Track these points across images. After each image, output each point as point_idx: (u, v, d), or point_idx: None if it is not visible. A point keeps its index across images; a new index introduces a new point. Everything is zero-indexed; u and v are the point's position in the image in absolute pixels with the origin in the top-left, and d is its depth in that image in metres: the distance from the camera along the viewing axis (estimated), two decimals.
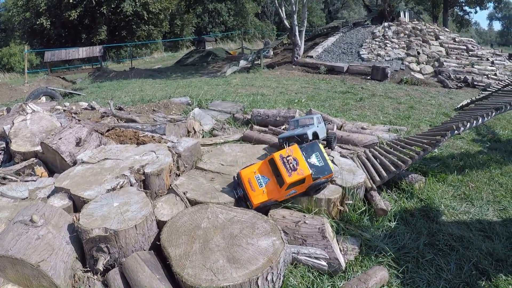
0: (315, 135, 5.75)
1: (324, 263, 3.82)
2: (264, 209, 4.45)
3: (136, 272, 3.40)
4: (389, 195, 5.53)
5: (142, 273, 3.37)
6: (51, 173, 5.83)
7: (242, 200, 4.54)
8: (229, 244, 3.59)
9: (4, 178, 5.51)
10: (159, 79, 20.13)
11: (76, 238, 3.83)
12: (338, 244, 4.20)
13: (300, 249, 3.82)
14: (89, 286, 3.55)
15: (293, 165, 4.42)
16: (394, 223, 4.80)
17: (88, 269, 3.74)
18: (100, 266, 3.60)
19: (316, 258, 3.81)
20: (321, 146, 4.83)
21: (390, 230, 4.69)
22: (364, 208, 4.89)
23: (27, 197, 4.96)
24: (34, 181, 5.39)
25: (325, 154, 4.73)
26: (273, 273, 3.36)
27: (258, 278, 3.22)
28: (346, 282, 3.76)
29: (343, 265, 3.95)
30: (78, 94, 16.38)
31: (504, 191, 5.82)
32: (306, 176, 4.37)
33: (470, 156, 7.20)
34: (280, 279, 3.52)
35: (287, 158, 4.51)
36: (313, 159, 4.66)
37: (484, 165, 6.76)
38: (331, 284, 3.78)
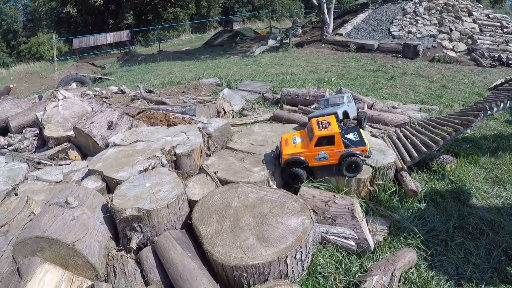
0: (346, 114, 5.72)
1: (353, 243, 3.83)
2: (292, 169, 4.67)
3: (168, 250, 3.47)
4: (419, 176, 5.45)
5: (174, 251, 3.44)
6: (84, 156, 5.95)
7: (277, 159, 4.85)
8: (259, 223, 3.62)
9: (39, 163, 5.65)
10: (187, 60, 20.12)
11: (109, 218, 3.94)
12: (368, 225, 4.21)
13: (329, 229, 3.83)
14: (123, 264, 3.64)
15: (325, 125, 4.61)
16: (424, 204, 4.76)
17: (121, 248, 3.84)
18: (133, 244, 3.68)
19: (345, 238, 3.82)
20: (362, 131, 4.90)
21: (420, 211, 4.64)
22: (394, 188, 4.85)
23: (61, 180, 5.09)
24: (68, 164, 5.52)
25: (364, 135, 4.78)
26: (301, 252, 3.39)
27: (287, 257, 3.26)
28: (374, 263, 3.76)
29: (372, 245, 3.96)
30: (108, 79, 16.55)
31: None
32: (335, 133, 4.49)
33: (504, 138, 6.96)
34: (308, 258, 3.55)
35: (322, 121, 4.71)
36: (350, 135, 4.75)
37: None
38: (359, 265, 3.80)
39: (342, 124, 5.41)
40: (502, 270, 3.81)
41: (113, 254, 3.75)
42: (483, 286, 3.58)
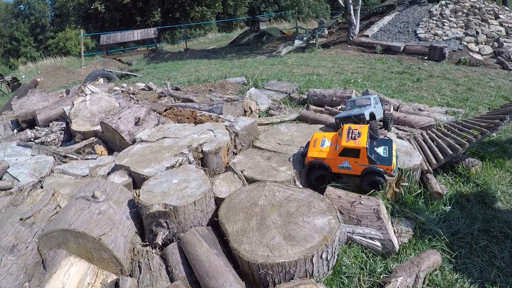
0: (372, 116, 5.68)
1: (378, 243, 3.81)
2: (315, 172, 4.71)
3: (194, 247, 3.49)
4: (445, 179, 5.40)
5: (200, 248, 3.46)
6: (110, 151, 6.02)
7: (303, 157, 4.86)
8: (285, 222, 3.63)
9: (65, 157, 5.73)
10: (214, 59, 20.23)
11: (136, 214, 3.98)
12: (393, 226, 4.19)
13: (355, 229, 3.82)
14: (148, 259, 3.67)
15: (354, 135, 4.53)
16: (449, 207, 4.71)
17: (147, 243, 3.88)
18: (159, 240, 3.71)
19: (370, 238, 3.80)
20: (395, 145, 4.82)
21: (445, 214, 4.60)
22: (420, 191, 4.82)
23: (87, 175, 5.16)
24: (94, 159, 5.58)
25: (395, 152, 4.69)
26: (328, 252, 3.38)
27: (313, 256, 3.25)
28: (399, 264, 3.75)
29: (397, 247, 3.94)
30: (135, 75, 16.69)
31: None
32: (361, 147, 4.41)
33: None
34: (334, 257, 3.55)
35: (353, 130, 4.64)
36: (380, 150, 4.67)
37: None
38: (384, 266, 3.78)
39: (371, 129, 5.37)
40: None
41: (138, 249, 3.78)
42: None
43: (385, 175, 4.45)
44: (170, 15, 39.17)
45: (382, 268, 3.74)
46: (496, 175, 5.57)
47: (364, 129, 4.68)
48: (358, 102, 6.09)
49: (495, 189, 5.19)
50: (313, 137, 4.96)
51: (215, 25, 47.29)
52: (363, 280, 3.56)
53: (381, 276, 3.62)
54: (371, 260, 3.79)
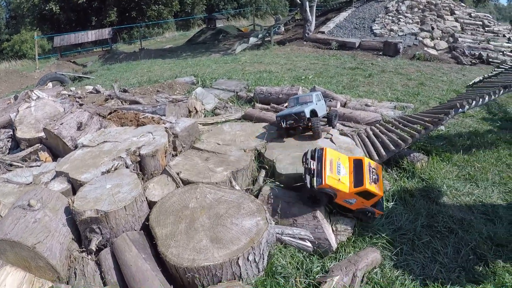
0: (314, 113, 5.69)
1: (309, 244, 3.83)
2: (320, 196, 4.12)
3: (124, 252, 3.49)
4: (389, 174, 5.47)
5: (129, 253, 3.46)
6: (55, 158, 5.92)
7: (308, 171, 4.18)
8: (213, 224, 3.63)
9: (11, 165, 5.63)
10: (168, 58, 20.05)
11: (72, 220, 3.93)
12: (331, 225, 4.21)
13: (284, 230, 3.84)
14: (83, 265, 3.66)
15: (375, 178, 4.16)
16: (392, 203, 4.77)
17: (83, 249, 3.85)
18: (93, 246, 3.70)
19: (300, 239, 3.83)
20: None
21: (388, 210, 4.64)
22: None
23: (31, 182, 5.06)
24: (39, 166, 5.49)
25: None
26: (254, 253, 3.40)
27: (238, 258, 3.26)
28: (336, 263, 3.77)
29: (334, 245, 3.97)
30: (88, 78, 16.37)
31: None
32: (378, 195, 4.08)
33: (478, 135, 7.03)
34: (263, 259, 3.55)
35: (373, 169, 4.26)
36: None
37: (493, 145, 6.61)
38: (321, 265, 3.80)
39: (313, 127, 5.39)
40: (470, 269, 3.84)
41: (75, 255, 3.76)
42: (449, 286, 3.61)
43: (372, 217, 4.27)
44: (127, 14, 38.79)
45: (319, 268, 3.75)
46: (443, 169, 5.68)
47: (380, 171, 4.35)
48: (301, 99, 6.08)
49: (441, 183, 5.29)
50: (326, 155, 4.31)
51: (173, 24, 46.88)
52: (299, 280, 3.57)
53: (317, 276, 3.63)
54: (307, 260, 3.81)
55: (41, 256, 3.46)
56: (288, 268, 3.64)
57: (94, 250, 3.73)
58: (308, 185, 4.06)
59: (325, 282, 3.47)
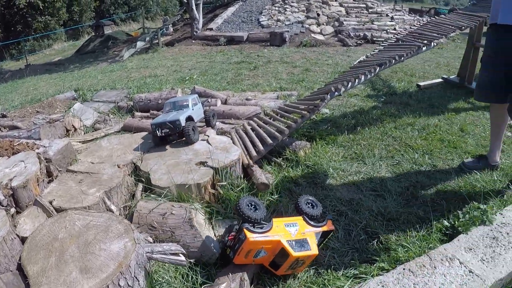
0: (190, 119, 5.41)
1: (182, 258, 3.57)
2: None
3: None
4: (271, 167, 5.31)
5: None
6: None
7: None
8: (82, 253, 3.31)
9: None
10: (55, 73, 18.87)
11: None
12: (214, 230, 4.02)
13: (154, 247, 3.57)
14: None
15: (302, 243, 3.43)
16: (277, 195, 4.59)
17: None
18: None
19: (173, 254, 3.58)
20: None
21: (274, 203, 4.48)
22: (243, 185, 4.64)
23: None
24: None
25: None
26: (126, 278, 3.11)
27: (108, 286, 2.97)
28: (222, 270, 3.56)
29: (218, 251, 3.75)
30: None
31: (398, 145, 5.78)
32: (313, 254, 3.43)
33: (363, 113, 7.12)
34: (139, 280, 3.28)
35: (299, 240, 3.48)
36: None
37: (378, 121, 6.70)
38: (206, 274, 3.60)
39: (185, 135, 5.14)
40: (363, 250, 3.74)
41: None
42: (341, 271, 3.46)
43: None
44: (12, 28, 36.86)
45: (205, 277, 3.55)
46: (328, 152, 5.62)
47: (311, 236, 3.55)
48: (178, 103, 5.76)
49: (327, 167, 5.21)
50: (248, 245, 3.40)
51: (62, 34, 45.06)
52: None
53: (203, 287, 3.42)
54: (192, 271, 3.58)
55: None
56: (174, 283, 3.45)
57: None
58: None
59: None
